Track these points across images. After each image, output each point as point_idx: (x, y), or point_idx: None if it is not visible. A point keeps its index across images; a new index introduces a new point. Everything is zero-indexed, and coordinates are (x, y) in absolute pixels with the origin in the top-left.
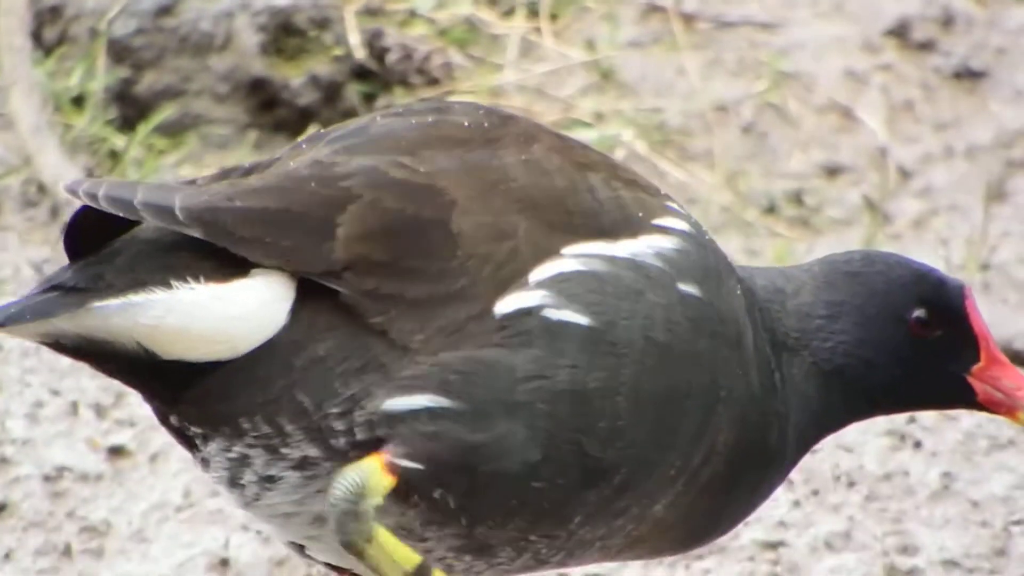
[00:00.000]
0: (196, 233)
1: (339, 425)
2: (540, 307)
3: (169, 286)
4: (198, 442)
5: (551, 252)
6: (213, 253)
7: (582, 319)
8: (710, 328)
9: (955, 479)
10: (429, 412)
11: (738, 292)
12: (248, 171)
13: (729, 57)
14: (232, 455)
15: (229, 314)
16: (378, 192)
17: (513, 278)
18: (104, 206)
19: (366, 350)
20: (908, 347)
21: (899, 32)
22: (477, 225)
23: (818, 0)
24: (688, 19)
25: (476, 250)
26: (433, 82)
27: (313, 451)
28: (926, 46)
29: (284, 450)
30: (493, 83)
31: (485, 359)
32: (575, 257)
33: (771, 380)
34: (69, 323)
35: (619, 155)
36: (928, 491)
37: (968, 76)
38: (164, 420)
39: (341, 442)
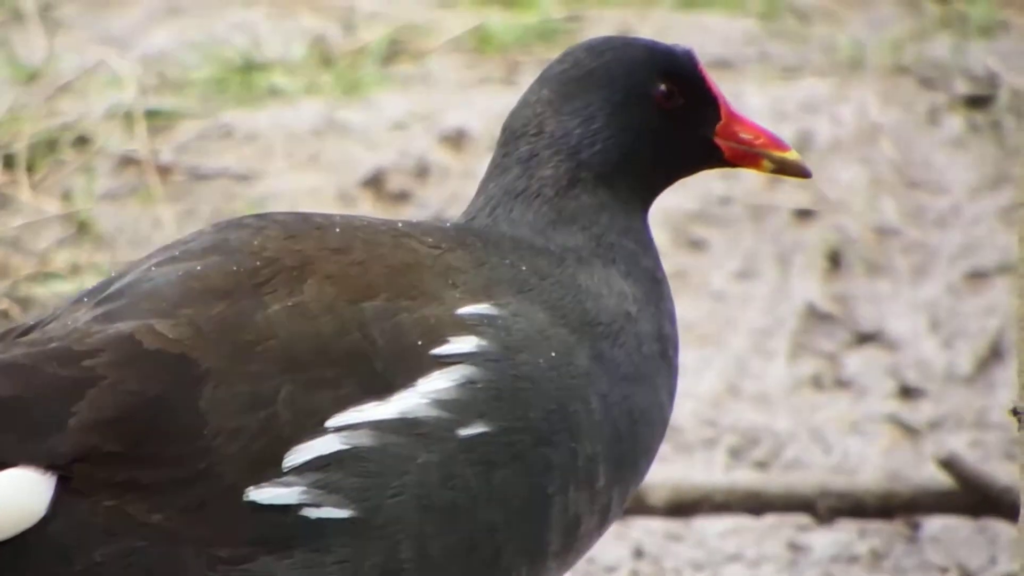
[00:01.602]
0: None
1: None
2: (298, 506)
3: None
4: None
5: (312, 420)
6: None
7: (343, 512)
8: (510, 453)
9: None
10: None
11: (551, 335)
12: (27, 330)
13: (205, 208)
14: None
15: None
16: (123, 372)
17: (268, 451)
18: None
19: (145, 563)
20: (660, 121)
21: (374, 183)
22: (230, 397)
23: (293, 151)
24: (164, 171)
25: (225, 425)
26: None
27: None
28: (401, 197)
29: None
30: None
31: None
32: (337, 432)
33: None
34: None
35: None
36: None
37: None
38: None
39: None
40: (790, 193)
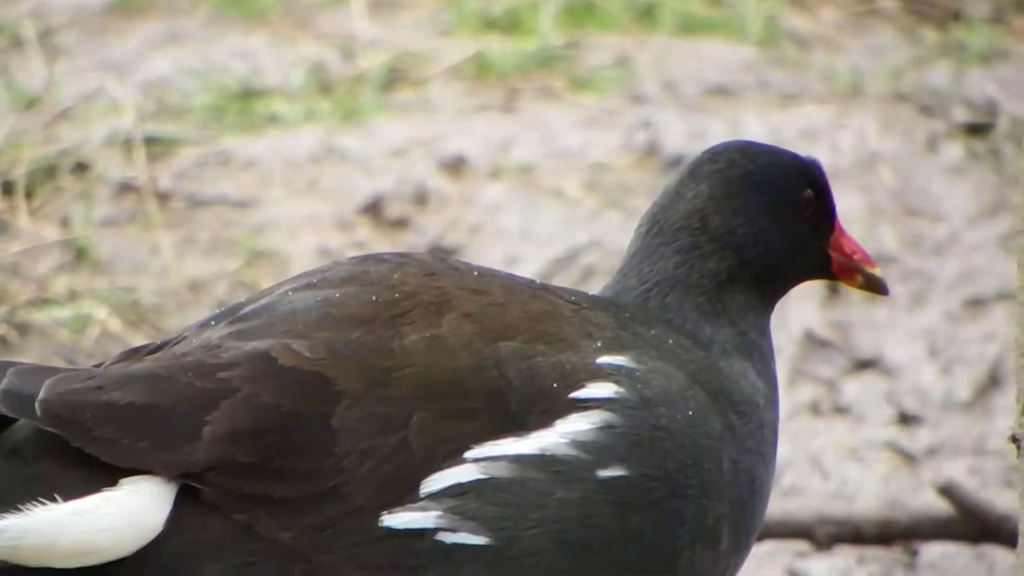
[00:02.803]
0: (52, 430)
1: None
2: (434, 530)
3: (21, 509)
4: None
5: (445, 449)
6: (81, 458)
7: (479, 539)
8: (646, 498)
9: None
10: None
11: (689, 395)
12: (156, 349)
13: (203, 235)
14: None
15: (93, 528)
16: (258, 385)
17: (399, 475)
18: None
19: (234, 572)
20: (800, 226)
21: (373, 210)
22: (363, 418)
23: (292, 179)
24: (163, 198)
25: (357, 446)
26: None
27: None
28: (400, 224)
29: None
30: None
31: None
32: (476, 463)
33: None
34: None
35: (92, 334)
36: None
37: (441, 253)
38: None
39: None
40: None
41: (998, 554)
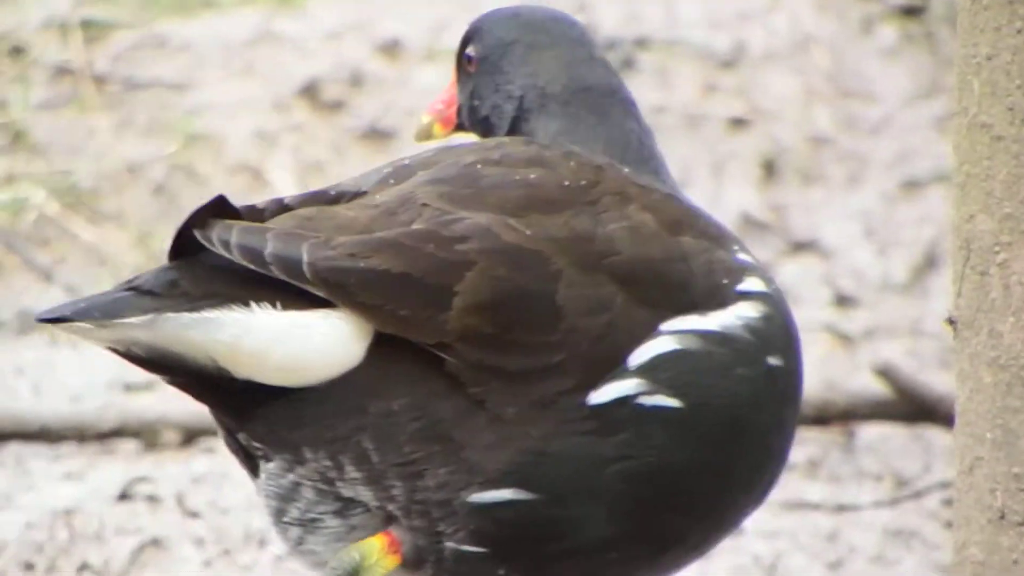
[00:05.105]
0: (322, 294)
1: (397, 490)
2: (635, 395)
3: (248, 306)
4: (260, 462)
5: (646, 327)
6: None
7: (674, 402)
8: (792, 395)
9: None
10: (508, 503)
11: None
12: (334, 199)
13: (140, 118)
14: (285, 481)
15: (307, 345)
16: (492, 259)
17: (608, 354)
18: (236, 256)
19: (438, 416)
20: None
21: (309, 92)
22: (579, 297)
23: (229, 61)
24: (99, 81)
25: (576, 323)
26: None
27: (367, 496)
28: (336, 106)
29: (339, 485)
30: None
31: (573, 451)
32: (671, 335)
33: None
34: (141, 330)
35: (30, 217)
36: None
37: (377, 136)
38: (230, 437)
39: (396, 500)
40: (724, 102)
41: (935, 435)
